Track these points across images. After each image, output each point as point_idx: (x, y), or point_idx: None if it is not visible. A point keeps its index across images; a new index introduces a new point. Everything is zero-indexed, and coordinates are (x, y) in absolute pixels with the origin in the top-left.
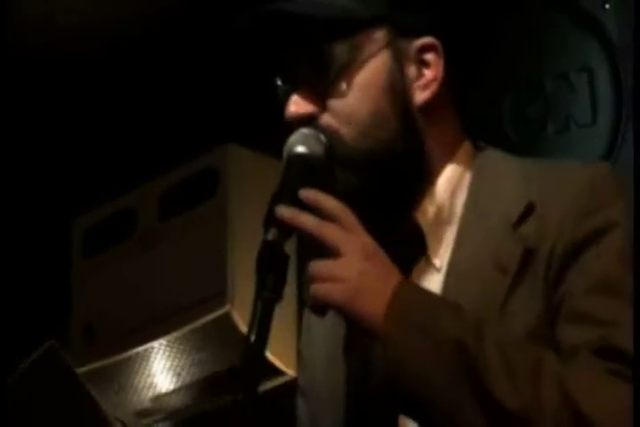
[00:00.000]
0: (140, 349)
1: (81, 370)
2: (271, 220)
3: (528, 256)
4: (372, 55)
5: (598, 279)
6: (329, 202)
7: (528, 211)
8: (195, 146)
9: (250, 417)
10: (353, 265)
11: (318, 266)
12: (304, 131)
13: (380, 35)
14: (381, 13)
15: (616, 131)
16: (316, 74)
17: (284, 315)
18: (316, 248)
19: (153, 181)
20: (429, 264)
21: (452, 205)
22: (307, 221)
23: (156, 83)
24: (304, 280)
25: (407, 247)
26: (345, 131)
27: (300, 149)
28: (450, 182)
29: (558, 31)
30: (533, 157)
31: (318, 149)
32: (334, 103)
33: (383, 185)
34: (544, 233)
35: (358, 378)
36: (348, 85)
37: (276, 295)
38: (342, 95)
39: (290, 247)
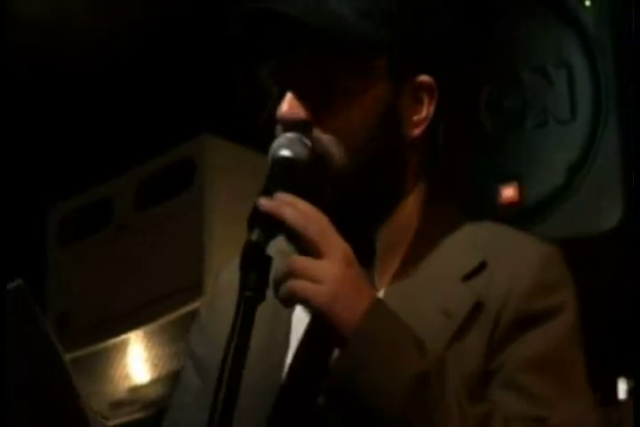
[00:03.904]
0: (117, 339)
1: None
2: (255, 220)
3: (478, 308)
4: (375, 83)
5: (542, 358)
6: (304, 206)
7: (480, 268)
8: (172, 136)
9: (229, 413)
10: (334, 269)
11: (301, 262)
12: (289, 135)
13: (382, 63)
14: (389, 40)
15: (595, 127)
16: (317, 84)
17: None
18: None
19: (130, 170)
20: (371, 282)
21: (398, 240)
22: (291, 213)
23: (134, 73)
24: (277, 273)
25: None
26: (335, 149)
27: (285, 152)
28: (408, 216)
29: (537, 25)
30: (512, 151)
31: (303, 153)
32: (330, 121)
33: (358, 204)
34: (493, 294)
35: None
36: (348, 108)
37: (259, 295)
38: (340, 115)
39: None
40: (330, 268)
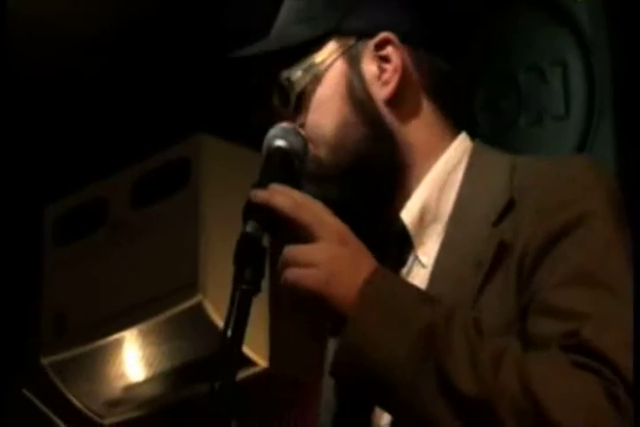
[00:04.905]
0: (112, 338)
1: (52, 359)
2: (250, 212)
3: (502, 250)
4: (326, 69)
5: (566, 274)
6: (297, 194)
7: (508, 208)
8: (167, 135)
9: (223, 409)
10: (327, 250)
11: (292, 250)
12: (284, 125)
13: (331, 47)
14: (327, 28)
15: (589, 124)
16: (282, 103)
17: (256, 306)
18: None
19: (125, 170)
20: (417, 261)
21: (439, 202)
22: (282, 201)
23: (130, 73)
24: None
25: (396, 246)
26: (316, 151)
27: (280, 142)
28: (438, 181)
29: (531, 24)
30: (507, 148)
31: (297, 144)
32: (307, 128)
33: (361, 193)
34: (519, 229)
35: None
36: (310, 105)
37: (254, 288)
38: (305, 117)
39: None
40: (321, 249)
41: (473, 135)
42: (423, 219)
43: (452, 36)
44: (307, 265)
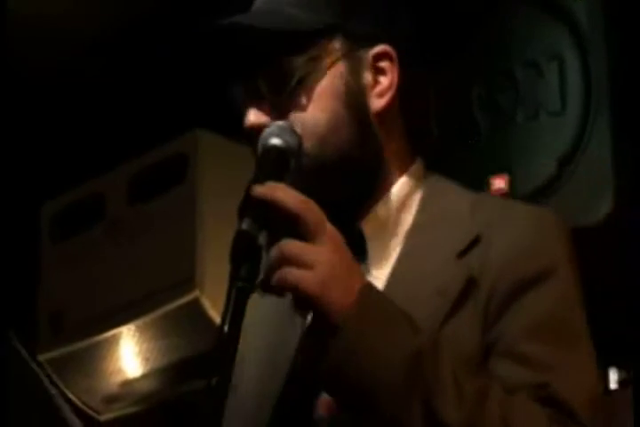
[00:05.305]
0: (109, 334)
1: (49, 355)
2: (246, 209)
3: (471, 285)
4: (329, 66)
5: (539, 322)
6: (295, 193)
7: (474, 243)
8: (165, 131)
9: (220, 405)
10: (327, 252)
11: (292, 248)
12: (280, 123)
13: (336, 45)
14: (335, 23)
15: (585, 119)
16: (275, 85)
17: None
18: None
19: (122, 165)
20: (367, 272)
21: (398, 218)
22: (286, 197)
23: (127, 69)
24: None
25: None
26: (305, 143)
27: (276, 140)
28: (400, 196)
29: (530, 22)
30: (503, 143)
31: (293, 142)
32: (293, 115)
33: (339, 192)
34: (487, 266)
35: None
36: (306, 97)
37: (250, 285)
38: (300, 107)
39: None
40: (321, 251)
41: (472, 132)
42: (382, 231)
43: (448, 44)
44: (306, 265)
